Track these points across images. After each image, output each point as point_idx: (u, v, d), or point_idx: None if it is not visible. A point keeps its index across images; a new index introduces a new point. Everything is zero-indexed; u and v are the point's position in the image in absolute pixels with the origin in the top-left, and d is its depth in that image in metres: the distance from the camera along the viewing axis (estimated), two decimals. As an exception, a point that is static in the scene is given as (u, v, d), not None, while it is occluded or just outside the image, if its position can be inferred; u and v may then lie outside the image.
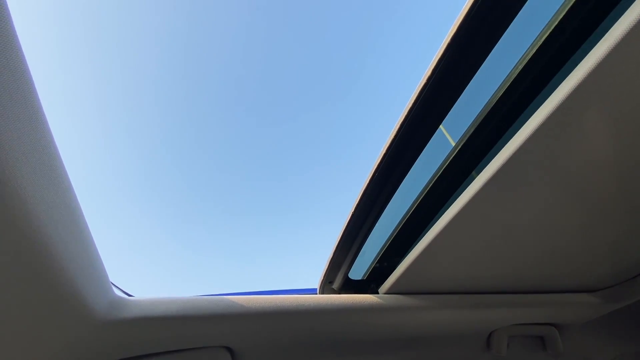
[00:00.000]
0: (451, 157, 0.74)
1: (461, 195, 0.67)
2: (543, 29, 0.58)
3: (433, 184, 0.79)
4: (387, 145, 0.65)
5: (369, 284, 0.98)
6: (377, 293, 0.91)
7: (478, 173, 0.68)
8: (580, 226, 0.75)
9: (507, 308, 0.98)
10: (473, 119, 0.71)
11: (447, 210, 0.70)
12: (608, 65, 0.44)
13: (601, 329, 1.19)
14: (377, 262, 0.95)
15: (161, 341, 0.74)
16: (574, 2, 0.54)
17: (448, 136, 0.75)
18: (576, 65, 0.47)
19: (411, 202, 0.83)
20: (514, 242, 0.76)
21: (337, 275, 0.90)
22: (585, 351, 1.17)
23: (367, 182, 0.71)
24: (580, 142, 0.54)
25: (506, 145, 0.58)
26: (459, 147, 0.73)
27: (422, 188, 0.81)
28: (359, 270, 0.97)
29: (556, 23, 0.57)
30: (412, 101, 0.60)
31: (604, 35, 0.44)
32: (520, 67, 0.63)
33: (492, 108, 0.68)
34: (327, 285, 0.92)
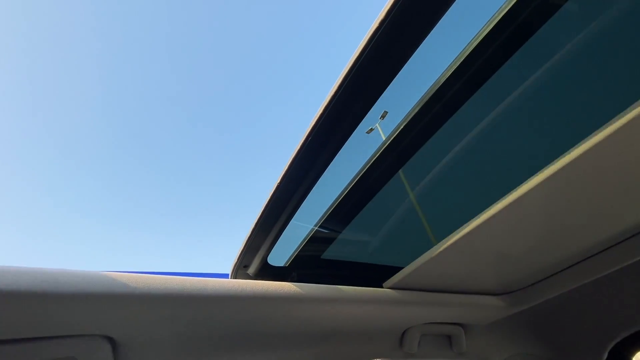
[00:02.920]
0: (381, 151, 0.71)
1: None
2: (479, 30, 0.57)
3: (361, 176, 0.75)
4: (315, 121, 0.58)
5: (291, 271, 0.90)
6: (296, 281, 0.84)
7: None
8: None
9: (422, 306, 0.99)
10: (404, 116, 0.70)
11: None
12: None
13: (500, 330, 1.29)
14: (301, 250, 0.88)
15: (6, 326, 0.57)
16: (513, 5, 0.53)
17: (380, 130, 0.73)
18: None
19: (339, 192, 0.78)
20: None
21: (253, 259, 0.80)
22: (485, 350, 1.26)
23: (291, 161, 0.63)
24: None
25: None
26: (389, 142, 0.70)
27: (350, 179, 0.77)
28: (281, 256, 0.89)
29: (492, 25, 0.56)
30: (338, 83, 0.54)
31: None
32: (456, 65, 0.62)
33: (423, 107, 0.66)
34: (241, 269, 0.82)
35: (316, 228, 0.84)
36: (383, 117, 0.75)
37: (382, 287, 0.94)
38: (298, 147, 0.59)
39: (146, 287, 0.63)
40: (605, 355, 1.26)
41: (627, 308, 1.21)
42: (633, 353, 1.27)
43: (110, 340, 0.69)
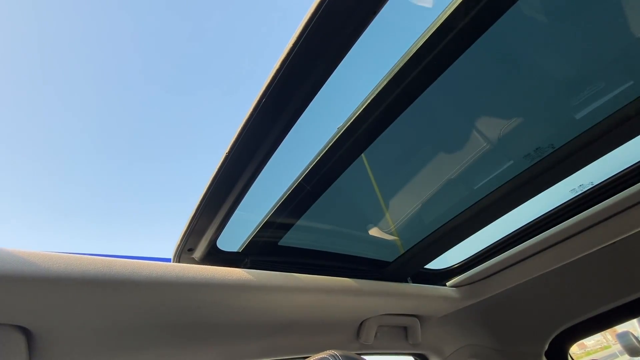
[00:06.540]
0: (338, 136, 0.67)
1: None
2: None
3: (321, 162, 0.71)
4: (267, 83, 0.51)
5: (244, 257, 0.84)
6: (249, 268, 0.78)
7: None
8: None
9: (380, 297, 0.97)
10: (360, 101, 0.67)
11: None
12: None
13: (453, 322, 1.33)
14: (256, 235, 0.82)
15: None
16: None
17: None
18: None
19: (299, 176, 0.73)
20: None
21: (199, 242, 0.72)
22: (438, 342, 1.29)
23: (240, 129, 0.56)
24: None
25: None
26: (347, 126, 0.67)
27: (308, 165, 0.72)
28: (234, 240, 0.82)
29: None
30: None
31: None
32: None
33: (381, 91, 0.63)
34: (185, 253, 0.74)
35: (273, 212, 0.78)
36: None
37: (340, 276, 0.90)
38: (247, 116, 0.52)
39: (64, 268, 0.54)
40: (547, 346, 1.34)
41: (566, 304, 1.29)
42: (570, 344, 1.37)
43: (24, 330, 0.59)
